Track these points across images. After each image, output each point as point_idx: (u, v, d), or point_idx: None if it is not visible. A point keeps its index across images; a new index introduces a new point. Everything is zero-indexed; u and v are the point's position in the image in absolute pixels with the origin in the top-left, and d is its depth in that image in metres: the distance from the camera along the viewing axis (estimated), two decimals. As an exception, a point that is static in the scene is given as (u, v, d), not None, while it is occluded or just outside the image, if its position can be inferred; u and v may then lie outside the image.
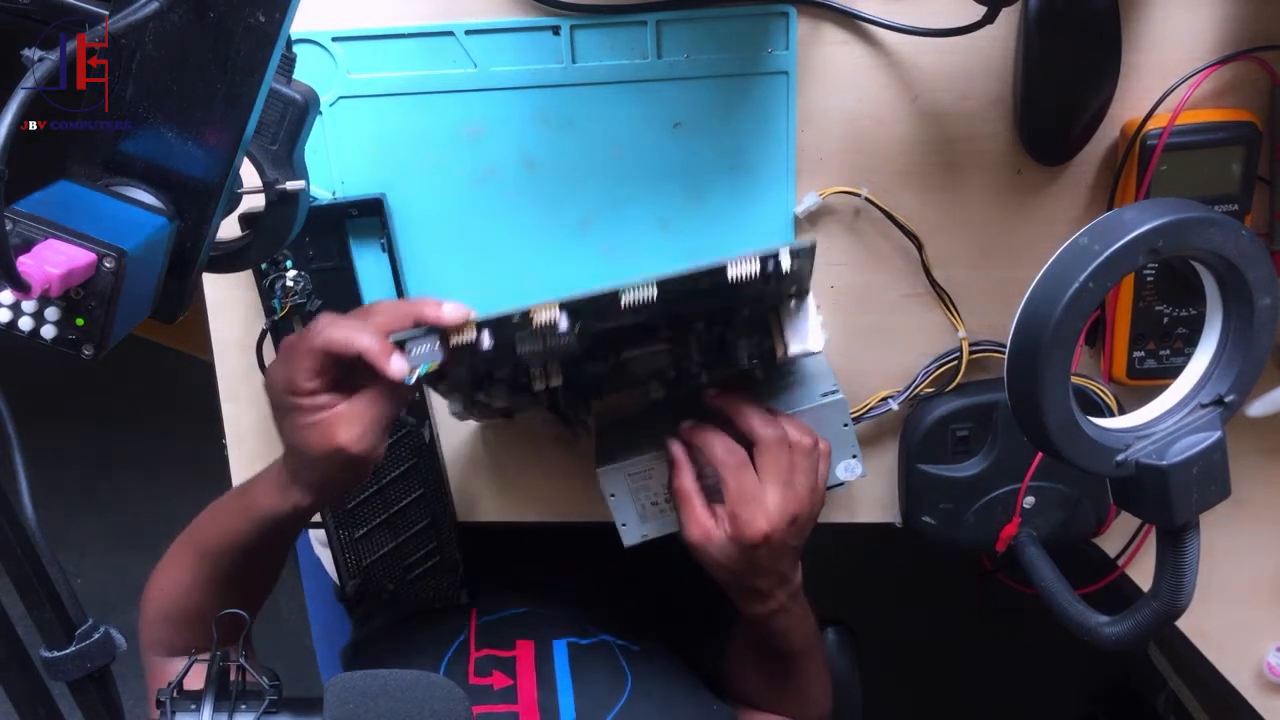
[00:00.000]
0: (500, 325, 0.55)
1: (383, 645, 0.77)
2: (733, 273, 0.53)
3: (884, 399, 0.71)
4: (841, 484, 0.68)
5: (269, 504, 0.62)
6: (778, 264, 0.52)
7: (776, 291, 0.58)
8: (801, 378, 0.70)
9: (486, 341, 0.55)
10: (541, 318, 0.54)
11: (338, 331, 0.55)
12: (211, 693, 0.47)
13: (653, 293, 0.53)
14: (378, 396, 0.56)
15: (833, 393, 0.67)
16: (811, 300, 0.61)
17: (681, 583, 0.88)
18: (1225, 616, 0.75)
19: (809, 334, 0.61)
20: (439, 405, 0.74)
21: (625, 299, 0.53)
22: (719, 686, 0.76)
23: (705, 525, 0.63)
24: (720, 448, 0.62)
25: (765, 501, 0.61)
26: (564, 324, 0.54)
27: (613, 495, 0.68)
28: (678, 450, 0.64)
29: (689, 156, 0.68)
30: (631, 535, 0.70)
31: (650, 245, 0.70)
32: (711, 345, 0.62)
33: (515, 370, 0.62)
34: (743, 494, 0.61)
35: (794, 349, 0.60)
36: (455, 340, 0.55)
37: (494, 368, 0.62)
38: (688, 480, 0.64)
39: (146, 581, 0.70)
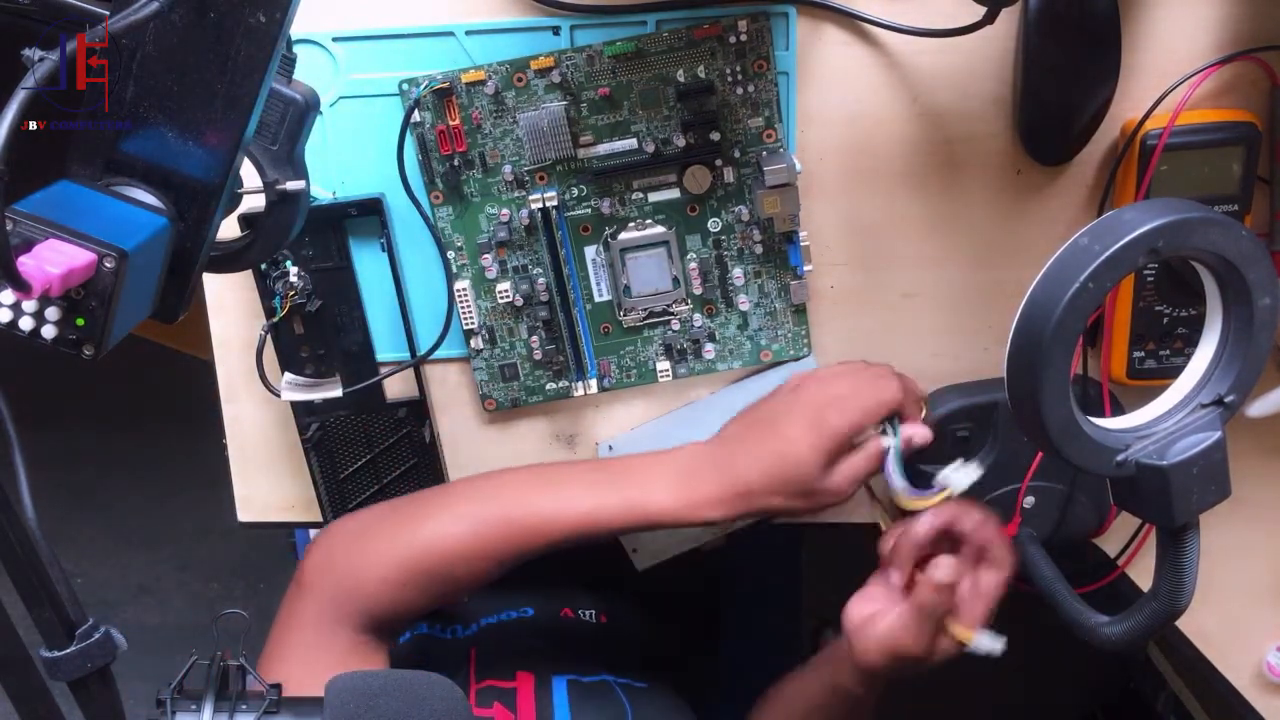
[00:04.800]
0: None
1: None
2: None
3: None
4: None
5: (674, 511, 0.63)
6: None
7: None
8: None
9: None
10: None
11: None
12: (212, 693, 0.47)
13: None
14: None
15: None
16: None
17: (688, 625, 0.87)
18: (1225, 616, 0.75)
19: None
20: (439, 405, 0.74)
21: None
22: None
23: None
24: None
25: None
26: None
27: None
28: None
29: (689, 156, 0.68)
30: (644, 560, 0.69)
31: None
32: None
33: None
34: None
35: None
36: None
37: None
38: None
39: (362, 528, 0.60)
